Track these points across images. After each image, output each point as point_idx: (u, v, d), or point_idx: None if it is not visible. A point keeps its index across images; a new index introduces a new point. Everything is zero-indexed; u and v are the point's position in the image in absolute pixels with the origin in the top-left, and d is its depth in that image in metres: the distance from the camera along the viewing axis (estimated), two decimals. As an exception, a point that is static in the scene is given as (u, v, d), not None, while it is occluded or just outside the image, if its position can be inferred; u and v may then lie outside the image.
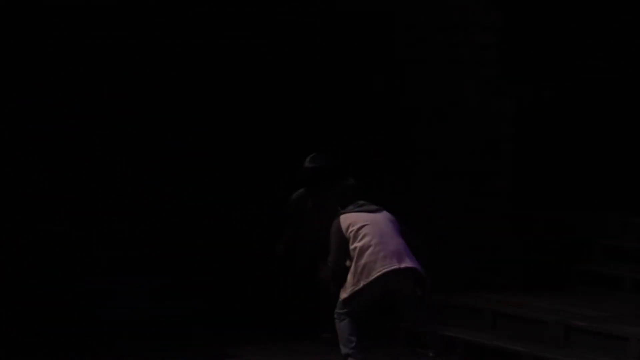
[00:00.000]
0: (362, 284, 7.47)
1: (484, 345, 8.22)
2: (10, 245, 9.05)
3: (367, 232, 7.55)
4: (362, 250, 7.50)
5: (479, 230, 10.01)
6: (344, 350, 7.56)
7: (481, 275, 9.65)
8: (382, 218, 7.67)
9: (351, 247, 7.55)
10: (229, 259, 9.67)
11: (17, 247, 9.08)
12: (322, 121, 10.07)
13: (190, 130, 9.84)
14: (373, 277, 7.43)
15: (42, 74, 9.42)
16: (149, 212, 9.63)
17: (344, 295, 7.56)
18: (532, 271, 9.70)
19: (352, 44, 10.15)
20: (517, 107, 10.42)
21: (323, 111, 10.14)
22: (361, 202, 7.79)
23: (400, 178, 10.07)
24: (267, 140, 10.04)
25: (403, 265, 7.48)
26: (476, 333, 8.42)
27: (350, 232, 7.58)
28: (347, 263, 7.61)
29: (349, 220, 7.66)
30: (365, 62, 10.19)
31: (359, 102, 10.20)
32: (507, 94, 10.34)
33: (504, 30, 10.36)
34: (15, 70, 9.35)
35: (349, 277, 7.55)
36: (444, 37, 10.24)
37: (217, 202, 9.86)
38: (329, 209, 8.01)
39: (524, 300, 8.83)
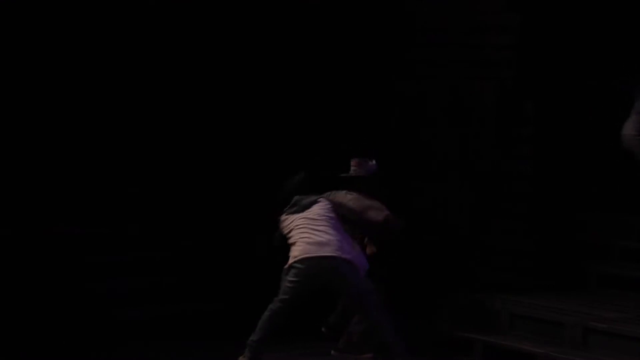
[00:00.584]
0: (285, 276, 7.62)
1: (502, 346, 8.22)
2: (24, 248, 9.09)
3: (294, 228, 7.69)
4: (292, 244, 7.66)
5: (498, 232, 10.03)
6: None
7: (499, 277, 9.62)
8: (312, 213, 7.72)
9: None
10: (241, 259, 9.69)
11: (31, 250, 9.13)
12: (344, 123, 10.09)
13: (192, 131, 9.86)
14: (291, 263, 7.54)
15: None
16: (160, 214, 9.67)
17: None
18: (550, 272, 9.69)
19: (370, 45, 10.16)
20: (536, 109, 10.42)
21: (343, 113, 10.16)
22: (297, 198, 7.86)
23: (426, 180, 10.11)
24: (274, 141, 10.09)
25: (322, 254, 7.51)
26: (494, 334, 8.42)
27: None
28: None
29: (285, 222, 7.82)
30: (385, 64, 10.21)
31: (379, 104, 10.21)
32: (526, 95, 10.35)
33: (523, 32, 10.35)
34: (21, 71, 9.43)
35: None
36: (462, 39, 10.26)
37: (223, 202, 9.88)
38: None
39: (541, 302, 8.80)
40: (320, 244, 7.50)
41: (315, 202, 7.77)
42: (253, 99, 10.09)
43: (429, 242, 9.72)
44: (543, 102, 10.43)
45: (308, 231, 7.57)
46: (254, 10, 10.04)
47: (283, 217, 7.79)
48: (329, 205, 7.78)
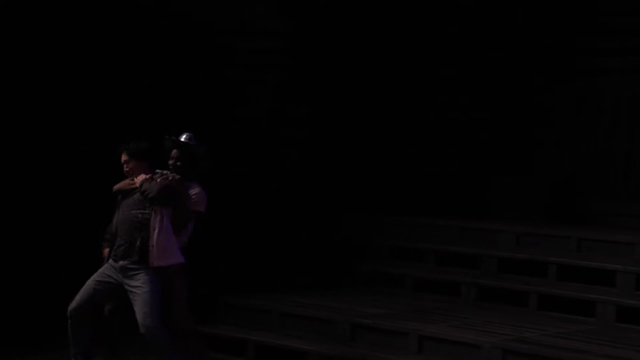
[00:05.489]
0: None
1: (273, 345, 8.39)
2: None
3: None
4: None
5: (271, 231, 10.23)
6: None
7: (271, 277, 9.83)
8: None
9: None
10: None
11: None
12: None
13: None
14: None
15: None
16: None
17: None
18: (320, 272, 9.98)
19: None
20: (312, 113, 10.71)
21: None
22: None
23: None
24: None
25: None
26: (266, 333, 8.57)
27: None
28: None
29: None
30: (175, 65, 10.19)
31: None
32: (302, 99, 10.62)
33: (299, 37, 10.62)
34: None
35: None
36: (239, 43, 10.41)
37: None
38: None
39: (312, 301, 9.07)
40: None
41: None
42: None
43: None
44: (318, 105, 10.75)
45: None
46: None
47: None
48: None
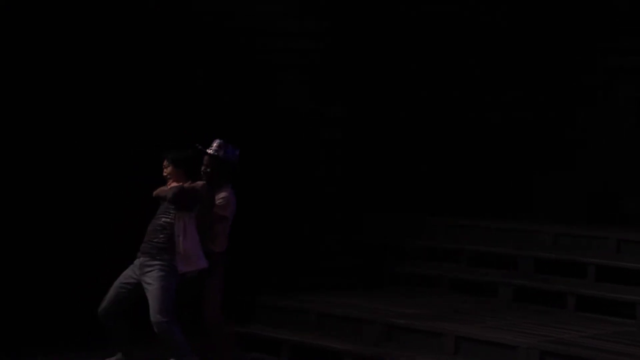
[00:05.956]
0: None
1: (309, 345, 8.38)
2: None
3: None
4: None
5: (303, 232, 10.22)
6: None
7: (307, 277, 9.83)
8: None
9: None
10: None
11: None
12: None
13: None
14: None
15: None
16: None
17: None
18: (355, 272, 9.97)
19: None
20: (347, 113, 10.69)
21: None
22: None
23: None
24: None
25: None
26: (301, 333, 8.57)
27: None
28: None
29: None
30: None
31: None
32: (337, 100, 10.59)
33: (333, 37, 10.61)
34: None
35: None
36: (273, 43, 10.41)
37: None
38: None
39: (347, 301, 9.06)
40: None
41: None
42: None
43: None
44: (352, 105, 10.73)
45: None
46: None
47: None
48: None
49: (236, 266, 8.16)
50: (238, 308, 8.94)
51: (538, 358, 7.43)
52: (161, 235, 7.45)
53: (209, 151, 7.67)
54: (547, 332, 7.98)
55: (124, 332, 7.59)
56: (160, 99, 9.82)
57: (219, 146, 7.69)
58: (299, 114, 10.43)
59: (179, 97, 9.91)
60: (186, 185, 7.48)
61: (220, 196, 7.63)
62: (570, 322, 8.35)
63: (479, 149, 11.17)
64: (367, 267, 9.99)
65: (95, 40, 9.58)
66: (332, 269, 9.96)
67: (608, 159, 10.65)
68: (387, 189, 10.75)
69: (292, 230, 10.17)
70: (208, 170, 7.66)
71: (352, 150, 10.69)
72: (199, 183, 7.53)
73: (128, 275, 7.57)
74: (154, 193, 7.62)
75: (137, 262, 7.55)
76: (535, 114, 10.99)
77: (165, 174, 7.64)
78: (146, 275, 7.44)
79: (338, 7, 10.71)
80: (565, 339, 7.74)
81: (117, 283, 7.59)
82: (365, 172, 10.70)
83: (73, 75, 9.51)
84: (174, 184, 7.53)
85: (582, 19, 10.79)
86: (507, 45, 11.06)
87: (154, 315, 7.35)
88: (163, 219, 7.50)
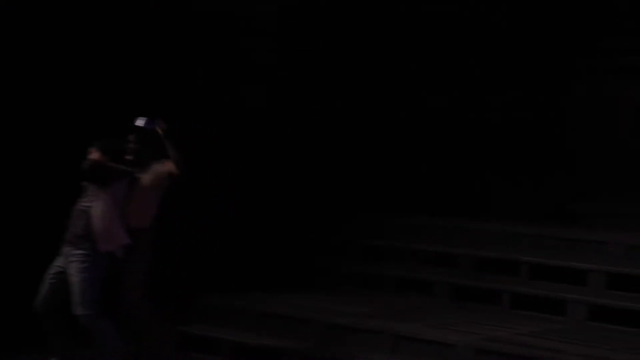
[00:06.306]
0: None
1: (250, 345, 8.44)
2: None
3: None
4: None
5: (249, 232, 10.29)
6: None
7: (249, 276, 9.87)
8: None
9: None
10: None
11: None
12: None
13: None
14: None
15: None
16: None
17: None
18: (298, 271, 10.04)
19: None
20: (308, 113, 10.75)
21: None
22: None
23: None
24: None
25: None
26: (242, 333, 8.62)
27: None
28: None
29: None
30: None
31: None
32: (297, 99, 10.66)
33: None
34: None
35: None
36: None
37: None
38: None
39: (289, 300, 9.12)
40: None
41: None
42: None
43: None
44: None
45: None
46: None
47: None
48: None
49: (177, 265, 8.19)
50: (179, 307, 8.98)
51: (474, 355, 7.59)
52: (80, 222, 7.46)
53: (134, 124, 7.72)
54: (483, 329, 8.13)
55: (62, 331, 7.54)
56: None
57: (143, 120, 7.76)
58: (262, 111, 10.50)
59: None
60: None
61: (148, 171, 7.70)
62: (505, 320, 8.51)
63: (446, 149, 11.28)
64: (311, 267, 10.07)
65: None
66: (274, 268, 10.02)
67: (567, 161, 10.84)
68: (332, 190, 10.84)
69: (235, 229, 10.23)
70: (134, 145, 7.73)
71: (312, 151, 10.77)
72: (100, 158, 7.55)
73: (57, 265, 7.55)
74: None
75: (63, 250, 7.54)
76: (503, 114, 11.10)
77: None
78: (70, 265, 7.44)
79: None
80: (500, 336, 7.90)
81: (47, 275, 7.56)
82: (314, 170, 10.77)
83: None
84: None
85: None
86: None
87: (76, 308, 7.35)
88: (82, 204, 7.51)
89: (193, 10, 10.15)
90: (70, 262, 7.44)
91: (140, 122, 7.75)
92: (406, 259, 9.84)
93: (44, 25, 9.38)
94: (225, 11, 10.29)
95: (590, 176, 10.61)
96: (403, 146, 11.21)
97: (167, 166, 7.64)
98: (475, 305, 9.01)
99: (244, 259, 10.09)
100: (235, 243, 10.17)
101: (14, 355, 8.34)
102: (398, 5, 11.08)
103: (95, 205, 7.44)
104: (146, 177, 7.71)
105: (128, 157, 7.74)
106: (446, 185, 11.06)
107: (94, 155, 7.58)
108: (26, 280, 8.71)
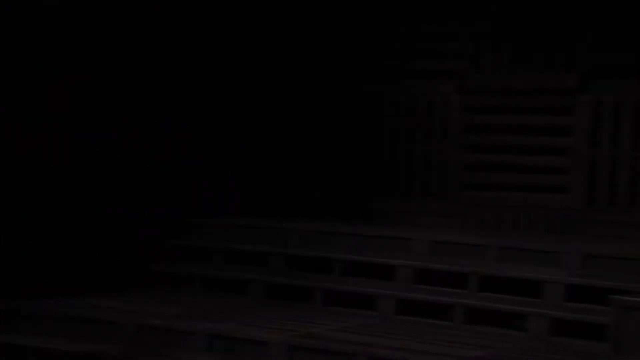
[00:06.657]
0: None
1: (57, 351, 8.19)
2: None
3: None
4: None
5: (71, 233, 10.02)
6: None
7: (61, 280, 9.60)
8: None
9: None
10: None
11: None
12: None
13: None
14: None
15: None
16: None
17: None
18: (111, 272, 9.86)
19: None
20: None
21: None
22: None
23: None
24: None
25: None
26: (50, 339, 8.39)
27: None
28: None
29: None
30: None
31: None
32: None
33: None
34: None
35: None
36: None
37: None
38: None
39: (100, 302, 8.97)
40: None
41: None
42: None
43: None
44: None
45: None
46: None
47: None
48: None
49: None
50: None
51: (287, 352, 7.64)
52: None
53: None
54: (296, 326, 8.21)
55: None
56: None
57: None
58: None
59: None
60: None
61: None
62: (318, 317, 8.62)
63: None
64: (125, 267, 9.91)
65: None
66: (87, 270, 9.79)
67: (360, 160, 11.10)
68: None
69: (52, 230, 9.94)
70: None
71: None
72: None
73: None
74: None
75: None
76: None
77: None
78: None
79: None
80: (314, 332, 7.99)
81: None
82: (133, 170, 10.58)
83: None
84: None
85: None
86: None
87: None
88: None
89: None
90: None
91: None
92: (217, 259, 9.86)
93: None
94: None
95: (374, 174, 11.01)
96: (221, 147, 11.20)
97: None
98: (288, 303, 9.11)
99: (66, 262, 9.81)
100: (59, 245, 9.87)
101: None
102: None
103: None
104: None
105: None
106: (261, 188, 11.12)
107: None
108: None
